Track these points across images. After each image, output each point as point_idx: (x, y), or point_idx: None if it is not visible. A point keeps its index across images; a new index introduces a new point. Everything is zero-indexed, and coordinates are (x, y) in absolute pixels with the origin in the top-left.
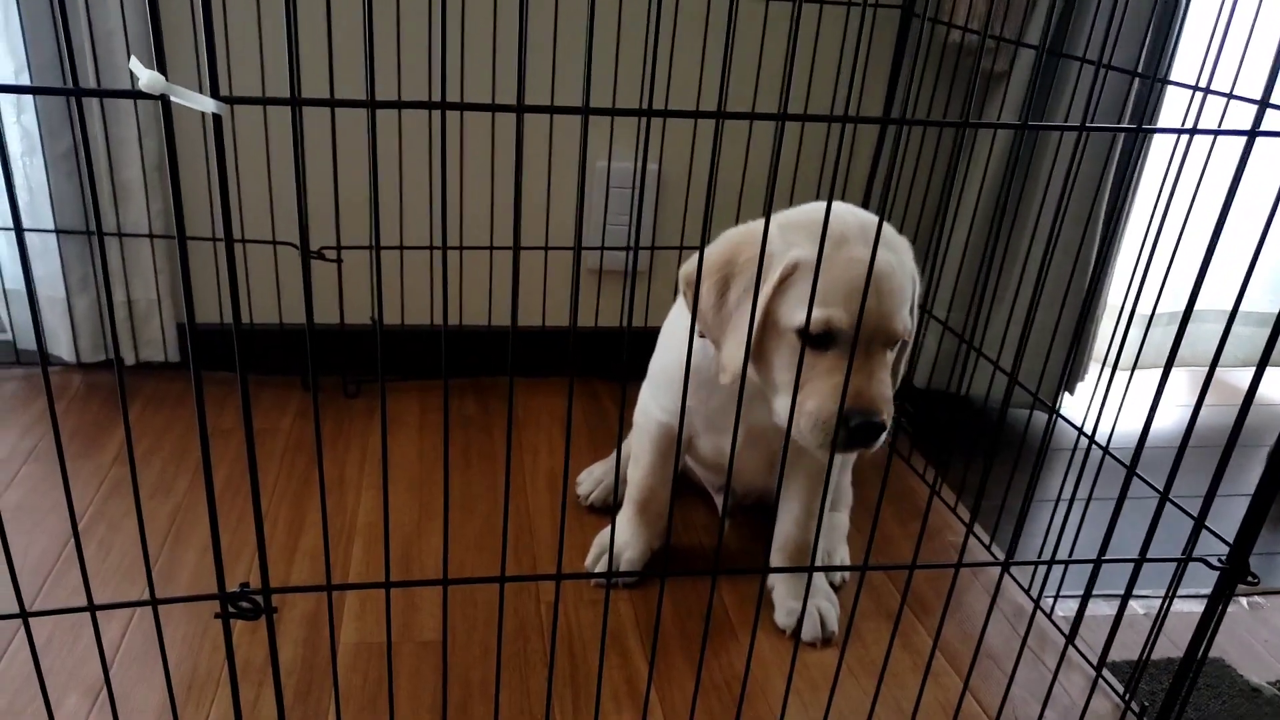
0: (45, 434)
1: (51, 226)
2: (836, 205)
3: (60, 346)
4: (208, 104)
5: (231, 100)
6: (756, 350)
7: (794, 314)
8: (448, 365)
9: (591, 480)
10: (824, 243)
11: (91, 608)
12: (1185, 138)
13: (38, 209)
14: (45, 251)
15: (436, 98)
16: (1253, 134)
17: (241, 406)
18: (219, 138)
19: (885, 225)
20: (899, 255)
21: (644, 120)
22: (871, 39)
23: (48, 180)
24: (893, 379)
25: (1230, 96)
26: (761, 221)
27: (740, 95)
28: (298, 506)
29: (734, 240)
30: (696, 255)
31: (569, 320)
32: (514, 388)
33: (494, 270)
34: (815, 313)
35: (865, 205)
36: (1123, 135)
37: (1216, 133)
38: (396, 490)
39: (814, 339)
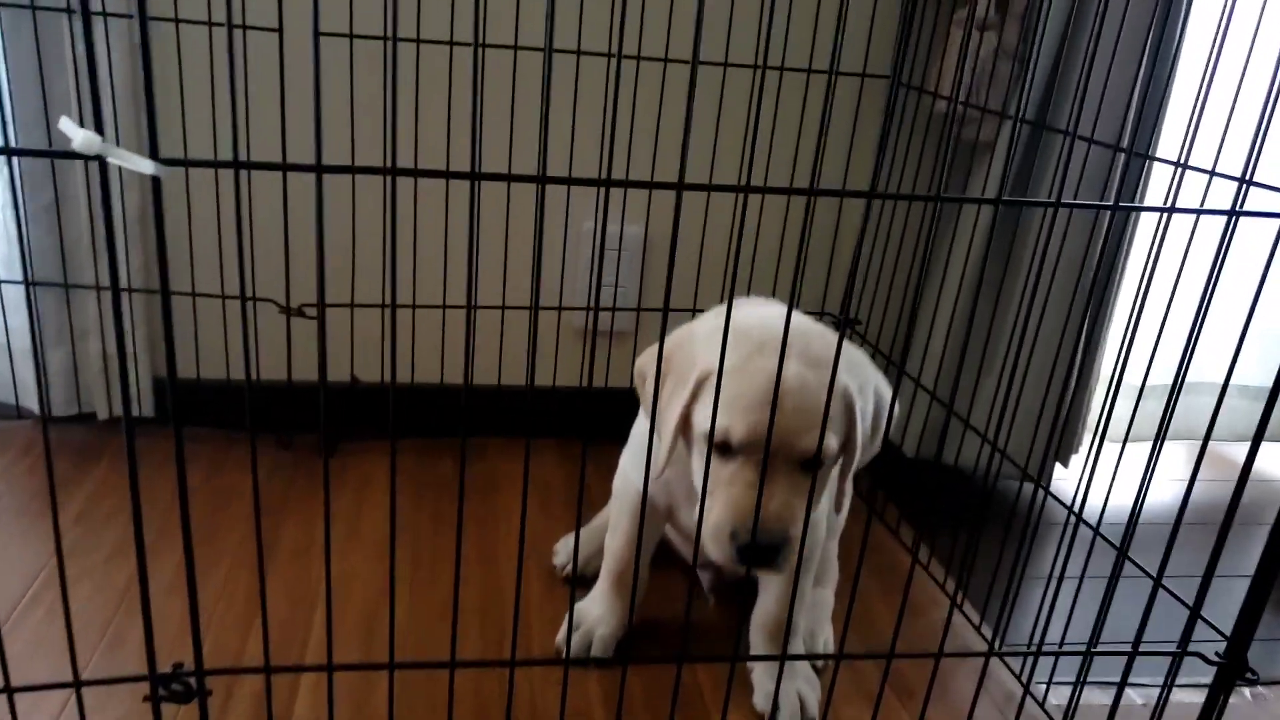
0: (5, 491)
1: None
2: (778, 313)
3: (31, 400)
4: (145, 165)
5: (169, 162)
6: (687, 451)
7: (704, 421)
8: (395, 428)
9: (567, 551)
10: (724, 351)
11: (9, 689)
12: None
13: (13, 261)
14: (20, 303)
15: (436, 163)
16: (1233, 214)
17: (176, 467)
18: (157, 200)
19: (826, 338)
20: (824, 371)
21: (602, 190)
22: (859, 109)
23: (26, 233)
24: (816, 498)
25: (1212, 174)
26: (704, 320)
27: (729, 163)
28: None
29: (671, 340)
30: (650, 349)
31: (526, 380)
32: (493, 449)
33: (475, 328)
34: (719, 420)
35: (852, 275)
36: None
37: (1197, 212)
38: (364, 557)
39: (719, 447)
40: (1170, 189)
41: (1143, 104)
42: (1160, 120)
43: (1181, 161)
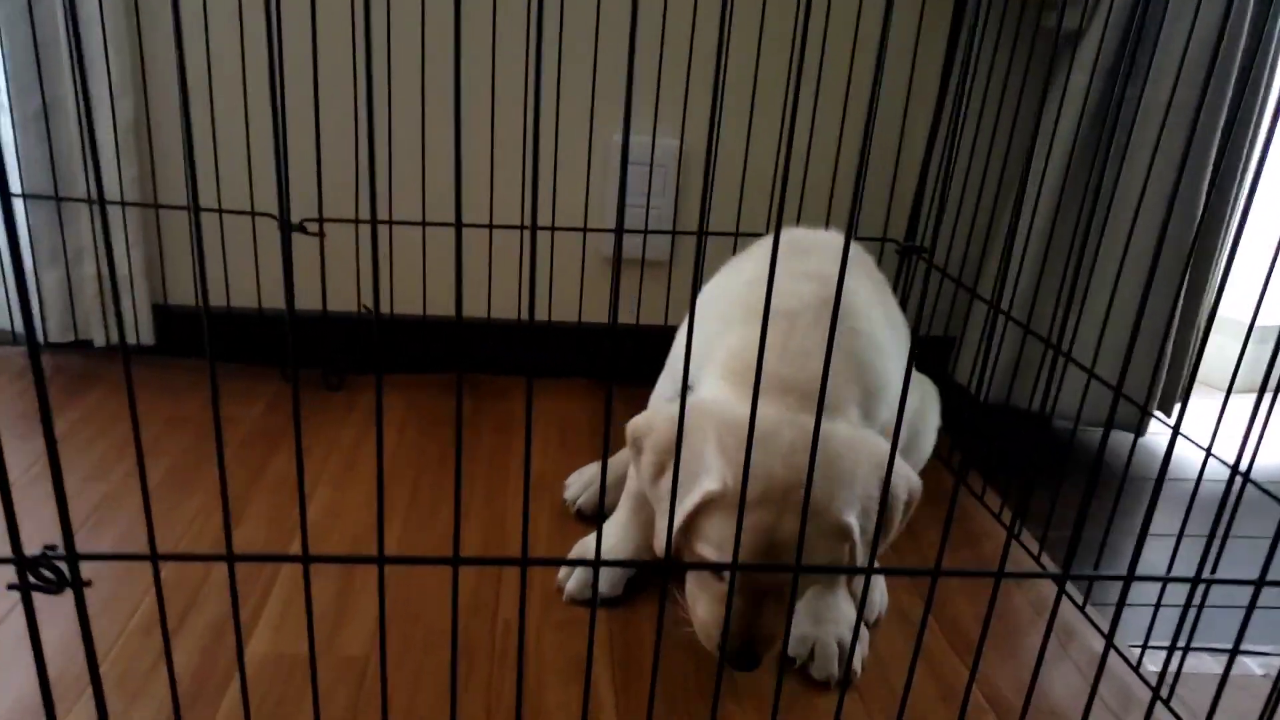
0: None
1: (18, 191)
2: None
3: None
4: None
5: None
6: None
7: (699, 543)
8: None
9: (581, 483)
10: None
11: None
12: None
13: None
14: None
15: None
16: None
17: (34, 381)
18: None
19: (830, 474)
20: (822, 518)
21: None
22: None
23: (15, 142)
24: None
25: None
26: (712, 387)
27: (773, 80)
28: (243, 499)
29: (684, 415)
30: (649, 414)
31: (461, 308)
32: (515, 388)
33: (494, 254)
34: (713, 554)
35: (925, 165)
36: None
37: None
38: (363, 488)
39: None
40: None
41: None
42: None
43: None
